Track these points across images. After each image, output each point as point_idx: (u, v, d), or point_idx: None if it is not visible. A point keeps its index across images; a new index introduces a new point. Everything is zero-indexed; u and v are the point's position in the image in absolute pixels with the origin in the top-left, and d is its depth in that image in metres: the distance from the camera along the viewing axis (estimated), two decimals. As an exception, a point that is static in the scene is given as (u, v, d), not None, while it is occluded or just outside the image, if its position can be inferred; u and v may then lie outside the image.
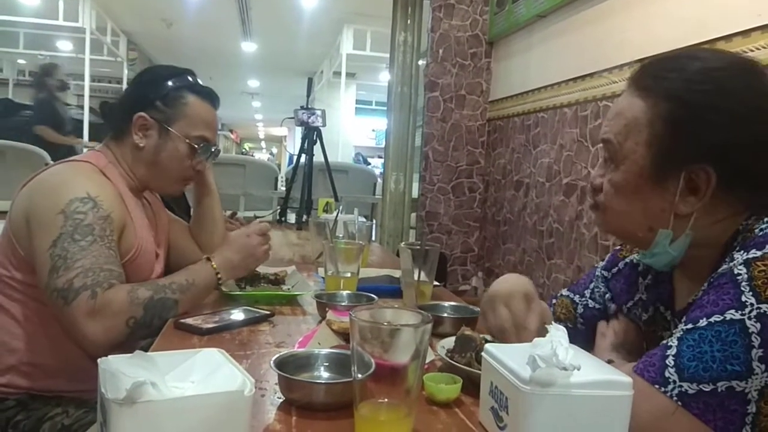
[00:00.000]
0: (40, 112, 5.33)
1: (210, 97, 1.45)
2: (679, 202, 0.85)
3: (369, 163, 10.91)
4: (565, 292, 1.18)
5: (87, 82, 7.63)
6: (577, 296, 1.16)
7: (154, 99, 1.37)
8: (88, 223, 1.18)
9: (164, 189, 1.48)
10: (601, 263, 1.15)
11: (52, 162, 1.40)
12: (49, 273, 1.15)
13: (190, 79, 1.44)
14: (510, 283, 1.07)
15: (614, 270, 1.11)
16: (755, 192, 0.85)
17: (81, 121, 6.71)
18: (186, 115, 1.39)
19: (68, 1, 7.25)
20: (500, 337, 1.03)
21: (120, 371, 0.59)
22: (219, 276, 1.36)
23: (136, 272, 1.29)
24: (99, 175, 1.30)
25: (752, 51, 1.64)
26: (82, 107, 7.37)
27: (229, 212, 2.27)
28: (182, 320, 1.18)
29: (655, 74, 0.88)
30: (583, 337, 1.09)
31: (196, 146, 1.40)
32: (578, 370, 0.66)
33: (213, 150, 1.46)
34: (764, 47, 1.60)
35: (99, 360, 0.62)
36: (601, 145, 0.96)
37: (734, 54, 0.93)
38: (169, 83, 1.39)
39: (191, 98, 1.40)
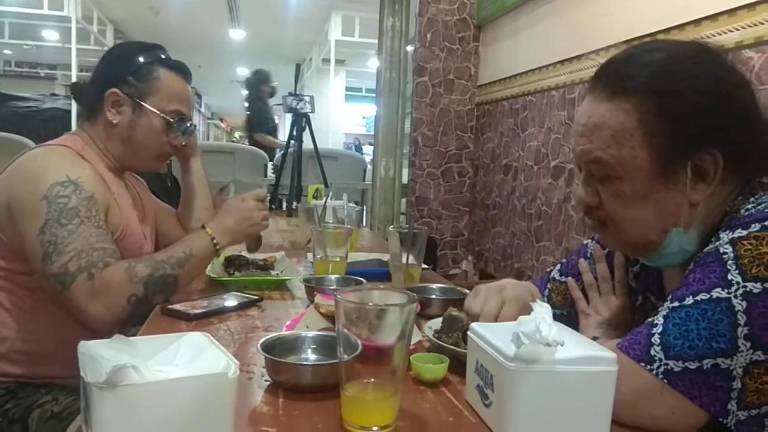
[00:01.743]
0: (258, 120, 5.59)
1: (183, 71, 1.43)
2: (691, 192, 0.84)
3: (361, 150, 10.88)
4: (557, 276, 1.17)
5: (74, 72, 7.56)
6: (573, 280, 1.15)
7: (125, 74, 1.35)
8: (72, 206, 1.18)
9: (142, 166, 1.46)
10: (590, 242, 1.14)
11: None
12: (42, 260, 1.15)
13: (160, 53, 1.41)
14: (509, 283, 1.08)
15: (604, 252, 1.10)
16: (755, 164, 0.85)
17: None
18: (159, 89, 1.37)
19: (53, -10, 7.16)
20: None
21: (100, 355, 0.58)
22: (215, 242, 1.32)
23: (124, 252, 1.27)
24: (77, 158, 1.29)
25: (738, 30, 1.64)
26: (69, 97, 7.29)
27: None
28: (170, 306, 1.18)
29: (624, 75, 0.85)
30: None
31: (171, 120, 1.38)
32: (562, 345, 0.67)
33: (189, 125, 1.44)
34: (750, 26, 1.60)
35: (79, 344, 0.62)
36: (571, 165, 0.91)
37: (689, 41, 0.92)
38: (140, 58, 1.37)
39: (163, 72, 1.38)
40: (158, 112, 1.37)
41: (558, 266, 1.19)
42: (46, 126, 6.33)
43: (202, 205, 1.59)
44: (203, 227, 1.34)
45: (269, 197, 3.50)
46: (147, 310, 1.19)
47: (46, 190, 1.18)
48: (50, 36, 9.62)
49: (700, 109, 0.82)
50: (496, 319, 1.03)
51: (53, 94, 8.09)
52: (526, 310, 1.03)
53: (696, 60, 0.86)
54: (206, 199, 1.61)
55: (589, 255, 1.11)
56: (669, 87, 0.83)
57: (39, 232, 1.16)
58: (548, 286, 1.18)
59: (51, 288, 1.16)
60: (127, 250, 1.31)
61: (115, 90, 1.34)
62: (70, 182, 1.20)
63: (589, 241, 1.13)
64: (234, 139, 27.01)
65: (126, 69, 1.36)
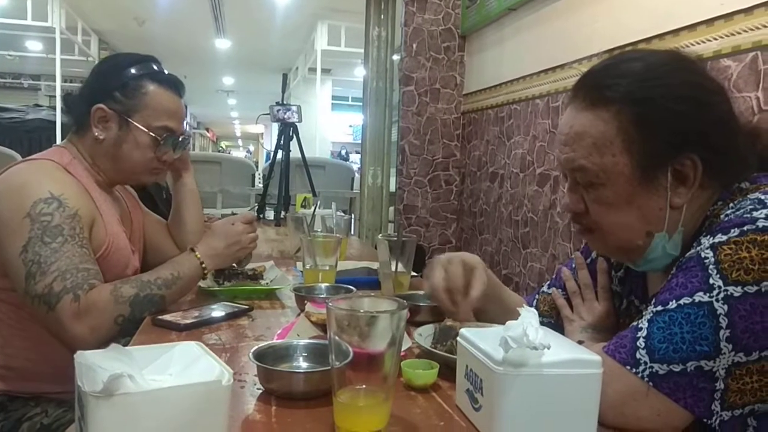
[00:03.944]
0: None
1: (173, 85, 1.39)
2: (672, 195, 0.86)
3: (347, 159, 10.91)
4: (546, 288, 1.19)
5: (58, 83, 7.51)
6: (558, 291, 1.18)
7: (112, 89, 1.32)
8: (56, 224, 1.16)
9: (130, 181, 1.44)
10: (575, 253, 1.16)
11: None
12: (25, 279, 1.14)
13: (152, 66, 1.38)
14: (456, 253, 1.12)
15: (588, 261, 1.12)
16: (733, 168, 0.88)
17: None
18: (146, 105, 1.33)
19: (37, 1, 7.12)
20: (433, 297, 1.09)
21: (97, 364, 0.59)
22: (204, 265, 1.34)
23: (109, 269, 1.27)
24: (62, 173, 1.26)
25: (716, 39, 1.68)
26: (54, 108, 7.25)
27: None
28: (160, 317, 1.18)
29: (603, 85, 0.88)
30: None
31: (158, 137, 1.35)
32: (548, 349, 0.68)
33: (180, 140, 1.41)
34: (727, 35, 1.64)
35: (75, 354, 0.62)
36: (557, 173, 0.93)
37: (665, 50, 0.95)
38: (129, 72, 1.34)
39: (152, 87, 1.34)
40: (145, 129, 1.34)
41: (548, 282, 1.21)
42: (29, 137, 6.29)
43: (194, 218, 1.57)
44: (192, 250, 1.35)
45: (256, 207, 3.51)
46: (134, 329, 1.18)
47: (29, 207, 1.16)
48: (34, 46, 9.55)
49: (677, 114, 0.85)
50: (463, 283, 1.08)
51: (37, 105, 8.04)
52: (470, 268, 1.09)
53: (671, 67, 0.89)
54: (198, 213, 1.58)
55: (573, 266, 1.13)
56: (646, 95, 0.86)
57: (22, 251, 1.14)
58: (536, 297, 1.20)
59: (35, 308, 1.15)
60: (112, 266, 1.29)
61: (101, 106, 1.32)
62: (54, 199, 1.18)
63: (576, 253, 1.16)
64: (220, 148, 26.95)
65: (113, 83, 1.33)
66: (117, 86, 1.33)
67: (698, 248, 0.81)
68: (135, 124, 1.33)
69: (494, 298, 1.14)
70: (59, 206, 1.18)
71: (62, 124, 6.54)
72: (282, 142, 3.37)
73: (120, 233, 1.36)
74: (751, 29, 1.58)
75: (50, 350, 1.23)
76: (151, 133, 1.34)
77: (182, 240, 1.54)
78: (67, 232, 1.17)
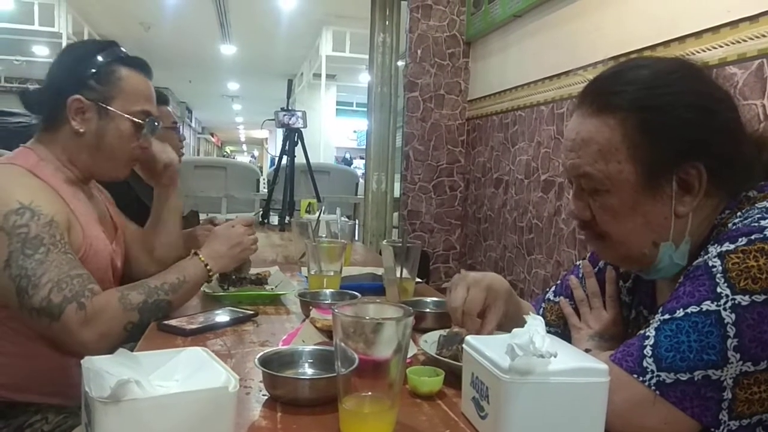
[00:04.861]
0: None
1: (144, 68, 1.36)
2: (677, 204, 0.86)
3: (351, 163, 10.94)
4: (552, 296, 1.19)
5: (64, 88, 7.54)
6: (565, 299, 1.16)
7: (85, 78, 1.26)
8: (34, 235, 1.12)
9: (112, 174, 1.37)
10: (581, 262, 1.16)
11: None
12: (17, 295, 1.10)
13: (119, 51, 1.32)
14: (486, 275, 1.10)
15: (596, 269, 1.12)
16: (739, 177, 0.88)
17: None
18: (123, 90, 1.29)
19: (43, 6, 7.17)
20: (452, 315, 1.07)
21: (104, 370, 0.59)
22: (209, 268, 1.33)
23: (90, 272, 1.20)
24: (28, 178, 1.20)
25: (721, 47, 1.68)
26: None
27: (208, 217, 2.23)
28: (166, 322, 1.18)
29: (609, 91, 0.88)
30: None
31: (141, 122, 1.31)
32: (555, 357, 0.68)
33: (157, 124, 1.36)
34: (733, 43, 1.64)
35: (83, 360, 0.62)
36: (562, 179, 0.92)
37: (673, 57, 0.95)
38: (98, 59, 1.28)
39: (125, 72, 1.30)
40: (126, 115, 1.29)
41: (553, 287, 1.21)
42: (35, 141, 6.30)
43: (172, 231, 1.53)
44: (196, 253, 1.34)
45: (261, 212, 3.52)
46: (140, 334, 1.18)
47: (1, 221, 1.11)
48: (41, 51, 9.61)
49: (683, 123, 0.85)
50: (481, 310, 1.05)
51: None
52: (495, 296, 1.07)
53: (678, 75, 0.88)
54: (176, 228, 1.55)
55: (580, 275, 1.13)
56: (652, 103, 0.86)
57: (5, 266, 1.10)
58: (542, 305, 1.20)
59: (34, 321, 1.12)
60: (93, 270, 1.22)
61: (77, 97, 1.25)
62: (25, 209, 1.13)
63: (581, 261, 1.15)
64: (225, 153, 27.03)
65: (86, 72, 1.27)
66: (90, 75, 1.27)
67: (706, 257, 0.80)
68: (115, 111, 1.29)
69: (518, 322, 1.13)
70: (33, 215, 1.13)
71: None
72: (287, 147, 3.38)
73: (99, 235, 1.31)
74: (757, 37, 1.58)
75: (34, 365, 1.21)
76: (132, 119, 1.31)
77: (156, 249, 1.51)
78: (47, 241, 1.13)
